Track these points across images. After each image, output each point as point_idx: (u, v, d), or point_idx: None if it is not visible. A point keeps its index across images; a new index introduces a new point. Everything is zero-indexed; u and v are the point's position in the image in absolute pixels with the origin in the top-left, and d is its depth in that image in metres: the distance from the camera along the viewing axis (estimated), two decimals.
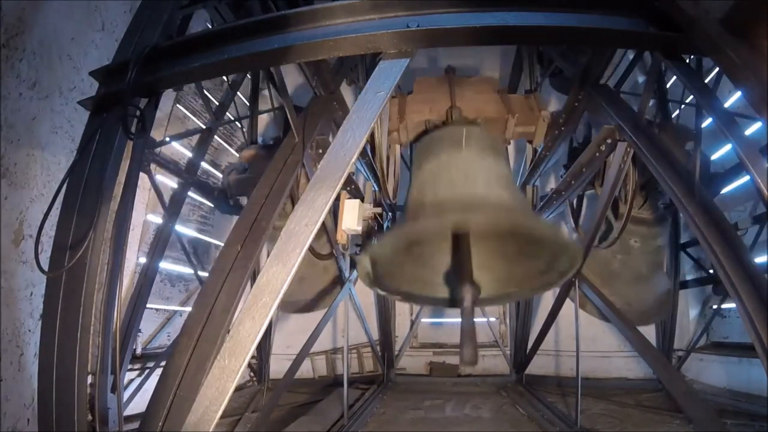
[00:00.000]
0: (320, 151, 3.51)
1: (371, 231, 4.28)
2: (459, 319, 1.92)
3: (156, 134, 4.76)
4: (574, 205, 5.70)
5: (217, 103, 5.88)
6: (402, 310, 8.00)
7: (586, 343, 5.26)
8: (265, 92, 6.02)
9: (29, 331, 3.21)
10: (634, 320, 4.40)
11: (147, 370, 5.03)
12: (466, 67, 6.50)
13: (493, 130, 3.78)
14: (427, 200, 2.77)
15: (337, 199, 2.27)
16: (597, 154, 3.72)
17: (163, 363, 3.06)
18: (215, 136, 6.00)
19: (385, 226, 6.39)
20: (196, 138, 5.47)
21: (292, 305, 6.62)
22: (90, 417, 2.02)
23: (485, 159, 3.01)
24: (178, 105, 5.84)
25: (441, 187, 2.80)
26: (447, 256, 2.52)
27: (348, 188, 4.62)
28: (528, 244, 2.34)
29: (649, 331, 6.74)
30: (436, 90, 4.35)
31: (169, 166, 4.74)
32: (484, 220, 2.42)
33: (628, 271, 5.16)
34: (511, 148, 7.35)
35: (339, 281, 6.24)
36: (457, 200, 2.53)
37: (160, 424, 1.99)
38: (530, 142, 4.13)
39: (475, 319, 1.90)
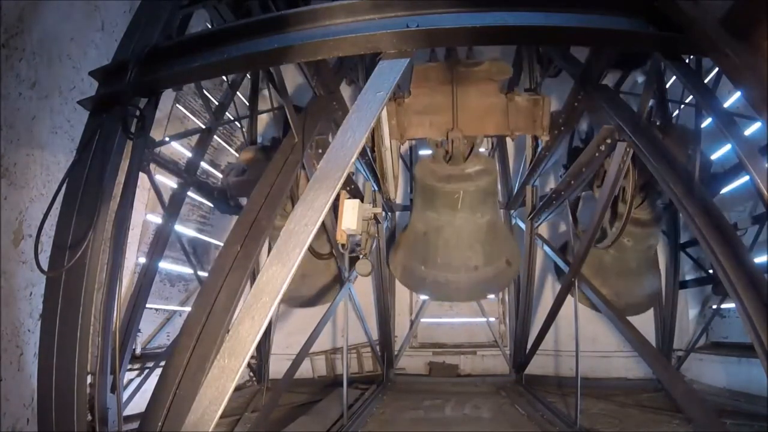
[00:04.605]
0: (320, 151, 3.52)
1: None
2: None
3: (156, 134, 4.75)
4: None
5: (217, 103, 5.88)
6: (402, 310, 7.97)
7: (585, 343, 5.26)
8: (265, 92, 6.01)
9: (29, 331, 3.21)
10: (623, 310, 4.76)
11: (147, 370, 5.02)
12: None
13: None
14: (429, 256, 5.43)
15: (337, 198, 2.27)
16: (597, 154, 3.72)
17: (162, 363, 3.06)
18: (215, 136, 6.00)
19: (384, 225, 6.40)
20: (195, 138, 5.47)
21: (294, 300, 6.65)
22: (90, 417, 2.02)
23: (475, 216, 4.98)
24: (177, 105, 5.84)
25: (439, 248, 5.30)
26: None
27: (348, 188, 4.62)
28: None
29: (649, 331, 6.74)
30: (437, 92, 4.34)
31: (169, 166, 4.73)
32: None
33: (618, 266, 5.52)
34: (510, 147, 7.39)
35: (340, 279, 6.25)
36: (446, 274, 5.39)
37: (159, 424, 1.99)
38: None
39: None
